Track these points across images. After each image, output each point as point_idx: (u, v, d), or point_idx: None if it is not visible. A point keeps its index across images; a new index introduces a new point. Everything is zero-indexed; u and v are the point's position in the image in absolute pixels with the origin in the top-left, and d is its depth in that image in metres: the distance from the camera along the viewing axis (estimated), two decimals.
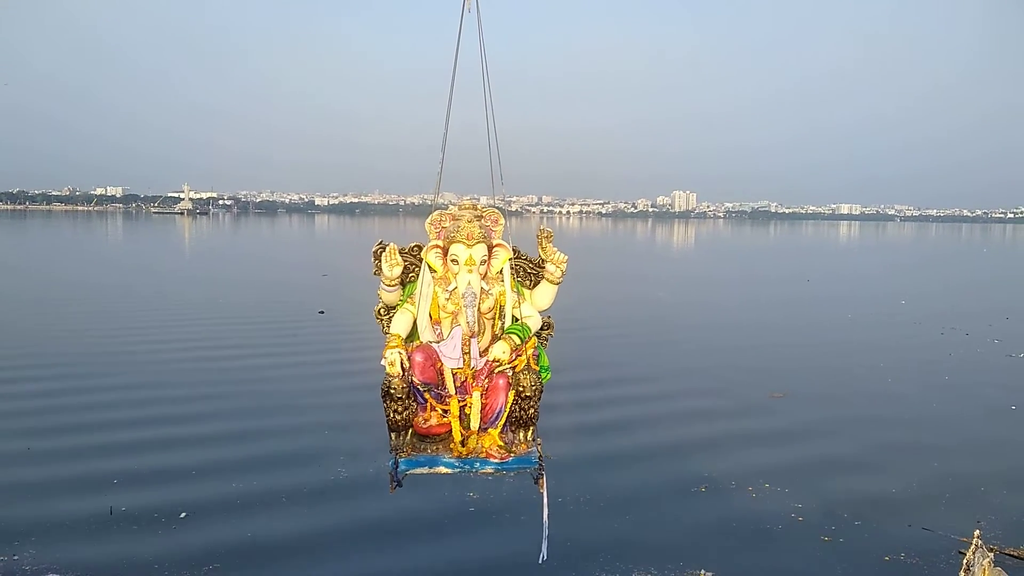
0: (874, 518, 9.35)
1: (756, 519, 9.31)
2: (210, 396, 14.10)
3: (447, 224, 5.43)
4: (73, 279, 34.49)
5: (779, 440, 12.38)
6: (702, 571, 7.95)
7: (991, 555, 6.19)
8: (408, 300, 5.41)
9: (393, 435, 5.15)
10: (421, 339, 5.36)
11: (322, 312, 24.74)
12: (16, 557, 7.96)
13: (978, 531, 6.57)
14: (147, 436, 11.79)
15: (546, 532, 5.27)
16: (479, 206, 5.60)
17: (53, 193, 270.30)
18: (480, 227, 5.37)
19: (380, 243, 5.47)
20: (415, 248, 5.55)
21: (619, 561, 8.12)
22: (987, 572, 6.02)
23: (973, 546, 6.23)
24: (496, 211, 5.59)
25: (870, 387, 16.05)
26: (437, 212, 5.48)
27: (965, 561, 6.26)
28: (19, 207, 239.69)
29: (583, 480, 10.15)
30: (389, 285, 5.40)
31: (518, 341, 5.20)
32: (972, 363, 18.82)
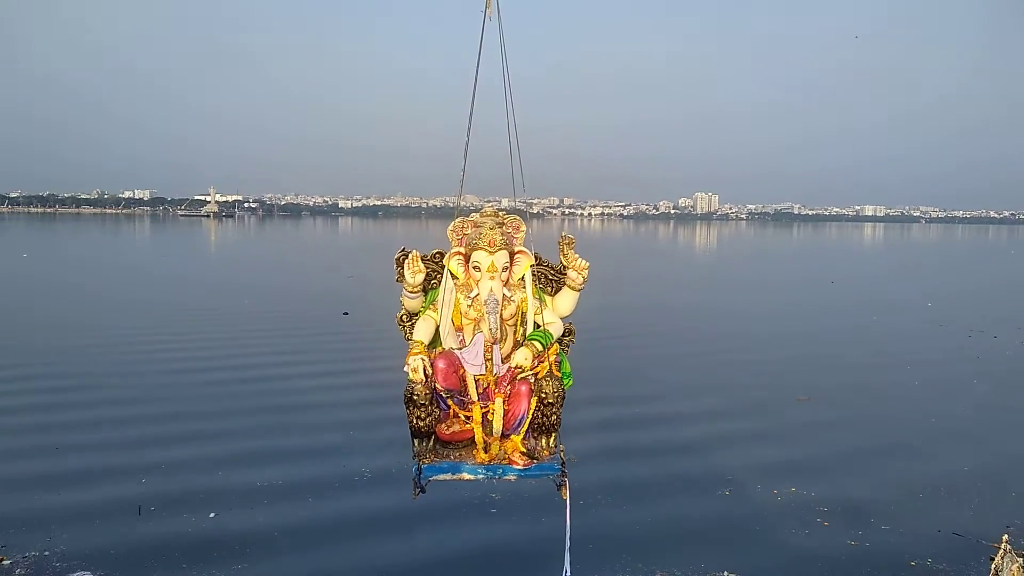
0: (901, 522, 9.25)
1: (781, 522, 9.25)
2: (235, 395, 14.25)
3: (469, 231, 5.46)
4: (100, 280, 34.92)
5: (805, 443, 12.29)
6: (725, 572, 7.93)
7: (1020, 560, 6.11)
8: (430, 307, 5.44)
9: (416, 441, 5.18)
10: (444, 346, 5.39)
11: (346, 313, 24.90)
12: (47, 553, 8.11)
13: (1007, 535, 6.49)
14: (172, 434, 11.94)
15: (568, 544, 5.27)
16: (501, 213, 5.63)
17: (82, 196, 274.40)
18: (502, 234, 5.39)
19: (402, 250, 5.50)
20: (437, 255, 5.58)
21: (641, 562, 8.11)
22: None
23: (1002, 551, 6.16)
24: (518, 218, 5.61)
25: (896, 390, 15.88)
26: (459, 219, 5.51)
27: (994, 566, 6.19)
28: (49, 210, 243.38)
29: (606, 481, 10.14)
30: (411, 292, 5.44)
31: (540, 347, 5.22)
32: (1000, 366, 18.57)
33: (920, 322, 25.67)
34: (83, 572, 7.78)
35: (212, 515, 9.10)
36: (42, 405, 13.56)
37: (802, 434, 12.76)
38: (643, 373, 17.21)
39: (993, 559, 6.35)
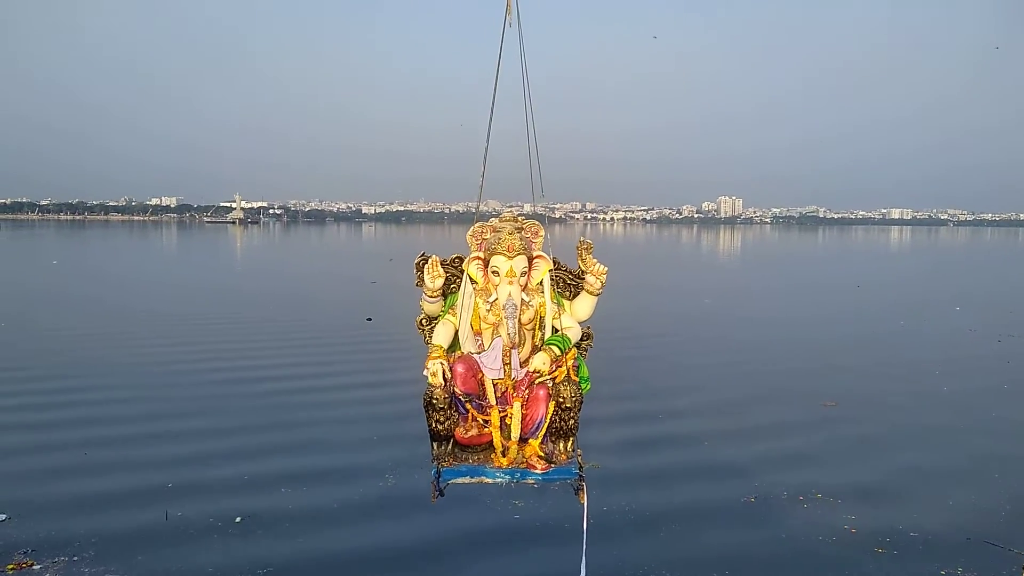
0: (931, 530, 9.11)
1: (807, 530, 9.15)
2: (259, 407, 14.35)
3: (488, 236, 5.53)
4: (125, 290, 35.44)
5: (832, 450, 12.15)
6: None
7: None
8: (450, 311, 5.51)
9: (435, 445, 5.24)
10: (462, 350, 5.45)
11: (370, 319, 25.06)
12: (76, 558, 8.22)
13: None
14: (200, 442, 12.07)
15: (584, 548, 5.29)
16: (520, 218, 5.68)
17: (110, 204, 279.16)
18: (520, 239, 5.46)
19: (422, 255, 5.59)
20: (456, 260, 5.66)
21: (665, 570, 8.06)
22: None
23: None
24: (536, 223, 5.67)
25: (925, 395, 15.67)
26: (478, 224, 5.59)
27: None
28: (78, 217, 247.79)
29: (627, 492, 10.09)
30: (431, 296, 5.51)
31: (558, 352, 5.26)
32: None
33: (948, 327, 25.33)
34: None
35: (238, 519, 9.20)
36: (66, 412, 13.78)
37: (828, 440, 12.62)
38: (663, 378, 17.14)
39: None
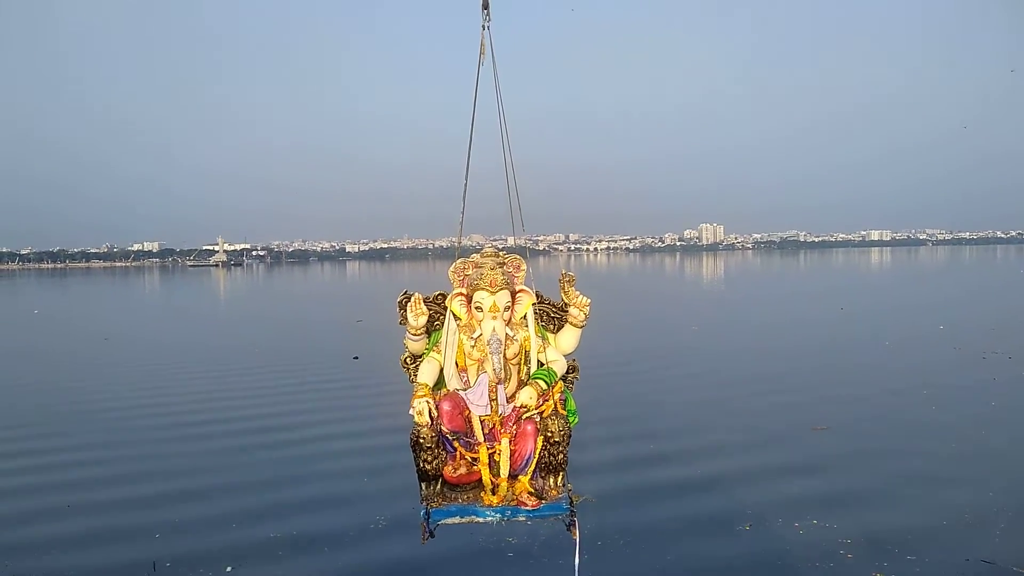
0: (927, 552, 9.04)
1: (803, 555, 9.06)
2: (246, 448, 14.17)
3: (470, 271, 5.52)
4: (101, 345, 35.10)
5: (824, 474, 12.10)
6: None
7: None
8: (434, 348, 5.47)
9: (423, 485, 5.17)
10: (448, 387, 5.41)
11: (356, 358, 24.92)
12: None
13: None
14: (184, 490, 11.87)
15: None
16: (501, 253, 5.69)
17: (91, 251, 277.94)
18: (503, 273, 5.45)
19: (405, 293, 5.56)
20: (439, 297, 5.64)
21: None
22: None
23: None
24: (518, 257, 5.67)
25: (914, 416, 15.67)
26: (460, 260, 5.58)
27: None
28: (59, 265, 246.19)
29: (618, 519, 9.97)
30: (415, 334, 5.48)
31: (544, 386, 5.23)
32: (1018, 387, 18.36)
33: (933, 346, 25.47)
34: None
35: (228, 569, 9.02)
36: (49, 465, 13.54)
37: (820, 466, 12.56)
38: (651, 411, 17.05)
39: None
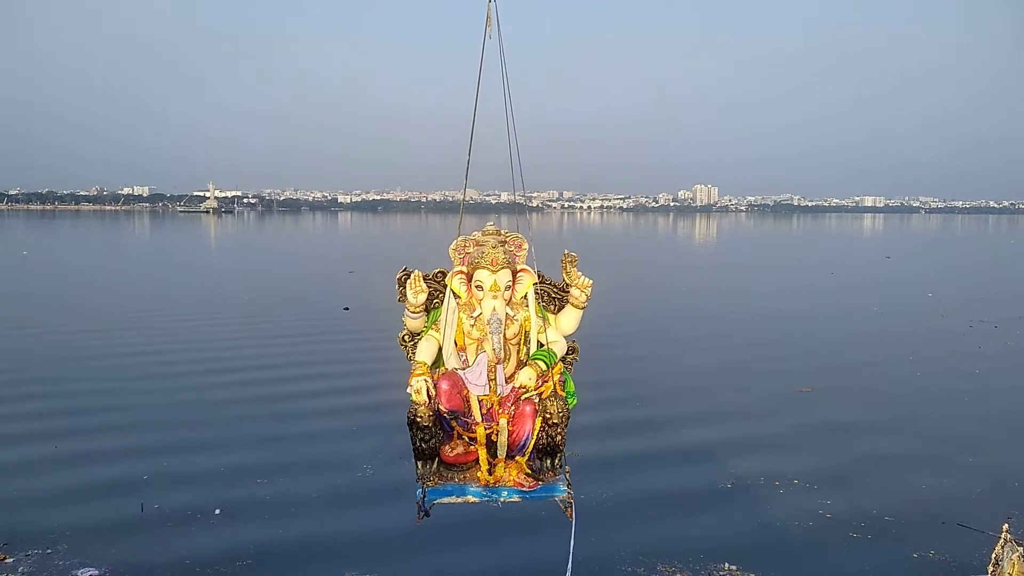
0: (904, 515, 9.22)
1: (784, 515, 9.23)
2: (237, 400, 14.19)
3: (471, 250, 5.44)
4: (94, 289, 34.90)
5: (807, 436, 12.27)
6: (726, 564, 7.91)
7: (1021, 549, 6.07)
8: (433, 327, 5.41)
9: (419, 464, 5.14)
10: (446, 366, 5.37)
11: (347, 308, 24.94)
12: (49, 551, 8.08)
13: (1007, 525, 6.46)
14: (173, 436, 11.91)
15: (570, 565, 5.25)
16: (503, 231, 5.61)
17: (81, 193, 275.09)
18: (504, 252, 5.37)
19: (404, 269, 5.48)
20: (439, 274, 5.56)
21: (643, 555, 8.07)
22: (1016, 566, 5.90)
23: (1002, 540, 6.11)
24: (520, 236, 5.60)
25: (898, 381, 15.87)
26: (460, 238, 5.50)
27: (994, 555, 6.14)
28: (48, 207, 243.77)
29: (605, 478, 10.11)
30: (414, 312, 5.41)
31: (544, 367, 5.19)
32: (1003, 356, 18.59)
33: (921, 313, 25.67)
34: (87, 569, 7.75)
35: (217, 511, 9.11)
36: (39, 407, 13.52)
37: (804, 426, 12.75)
38: (638, 369, 17.15)
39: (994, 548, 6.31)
